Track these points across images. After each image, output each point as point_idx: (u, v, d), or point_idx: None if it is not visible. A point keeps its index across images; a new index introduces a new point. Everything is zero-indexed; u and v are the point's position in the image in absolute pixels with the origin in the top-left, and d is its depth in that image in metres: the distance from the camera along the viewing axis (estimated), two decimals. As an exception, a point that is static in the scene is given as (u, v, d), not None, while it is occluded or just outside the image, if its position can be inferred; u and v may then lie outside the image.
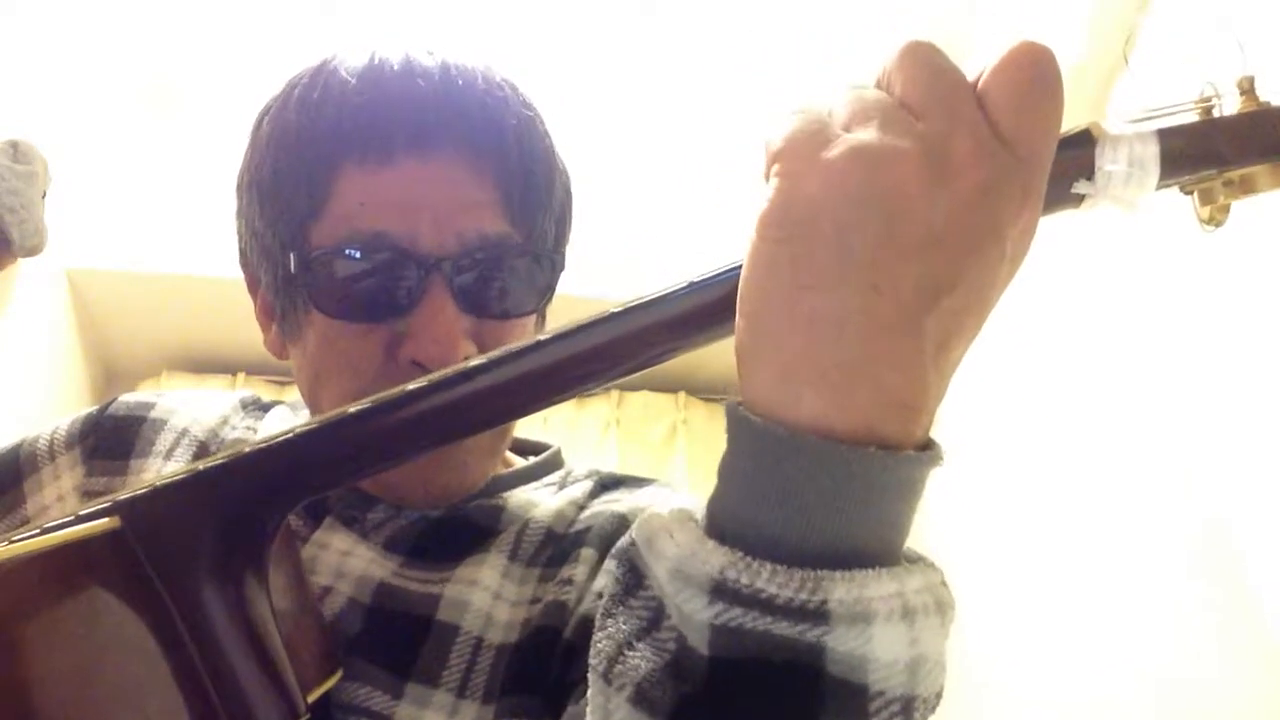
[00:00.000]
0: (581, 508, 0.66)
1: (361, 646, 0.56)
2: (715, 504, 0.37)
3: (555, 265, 0.63)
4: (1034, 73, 0.35)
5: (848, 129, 0.35)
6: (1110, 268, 1.55)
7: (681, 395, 2.52)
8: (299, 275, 0.58)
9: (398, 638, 0.57)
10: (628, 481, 0.69)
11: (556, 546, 0.62)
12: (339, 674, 0.51)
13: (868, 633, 0.33)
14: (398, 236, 0.56)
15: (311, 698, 0.46)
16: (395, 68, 0.58)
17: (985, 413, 1.86)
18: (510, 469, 0.69)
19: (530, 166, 0.60)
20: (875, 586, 0.33)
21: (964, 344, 0.36)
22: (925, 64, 0.36)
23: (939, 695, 0.35)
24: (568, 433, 2.48)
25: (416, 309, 0.56)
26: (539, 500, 0.66)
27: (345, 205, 0.56)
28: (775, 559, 0.34)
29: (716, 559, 0.34)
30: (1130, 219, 0.38)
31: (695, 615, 0.34)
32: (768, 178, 0.36)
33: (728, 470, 0.36)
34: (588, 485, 0.68)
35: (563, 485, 0.69)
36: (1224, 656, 1.22)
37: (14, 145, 1.94)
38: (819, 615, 0.33)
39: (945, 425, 1.95)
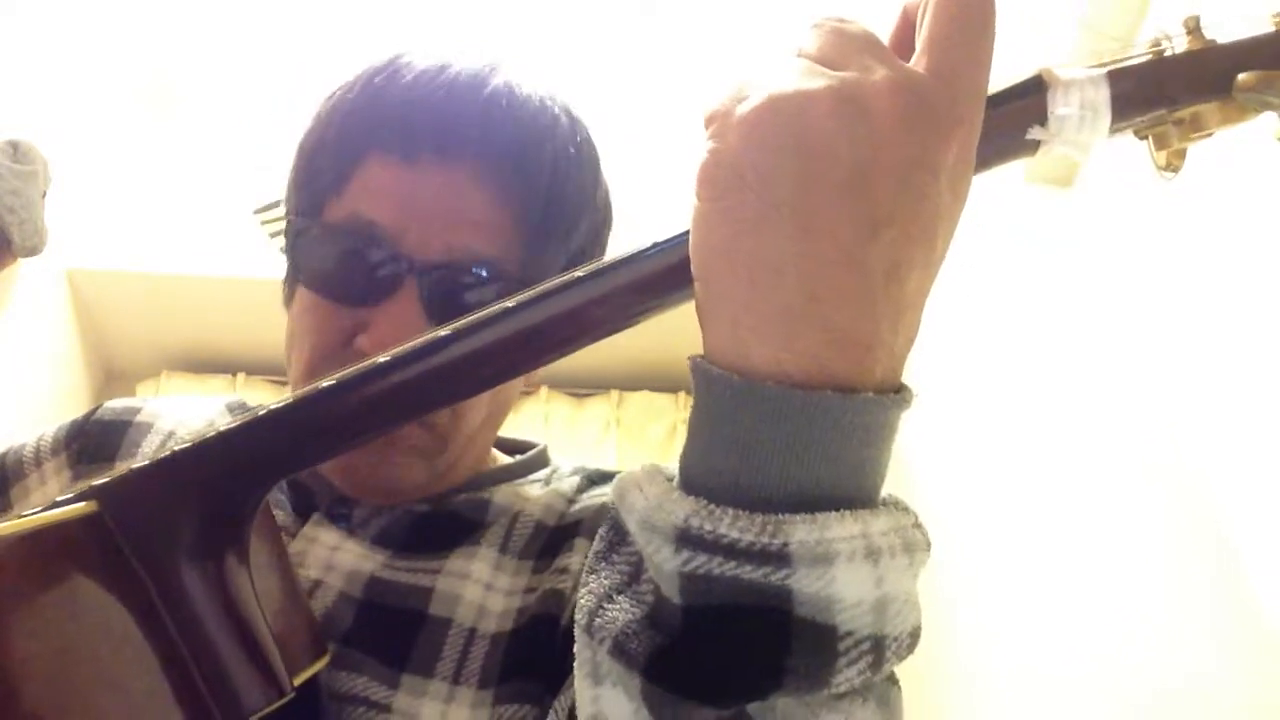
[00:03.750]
0: (571, 501, 0.66)
1: (355, 639, 0.57)
2: (684, 457, 0.37)
3: None
4: (958, 9, 0.36)
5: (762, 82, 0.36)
6: (1097, 242, 1.55)
7: (681, 395, 2.52)
8: (291, 238, 0.61)
9: (391, 632, 0.57)
10: (614, 477, 0.69)
11: (548, 538, 0.63)
12: (327, 657, 0.51)
13: (829, 574, 0.33)
14: (387, 230, 0.57)
15: (298, 680, 0.45)
16: (452, 75, 0.59)
17: (982, 404, 1.86)
18: (496, 465, 0.70)
19: (556, 201, 0.60)
20: (837, 528, 0.34)
21: (918, 275, 0.36)
22: (830, 29, 0.37)
23: (914, 634, 0.36)
24: (568, 432, 2.48)
25: (383, 304, 0.57)
26: (527, 494, 0.67)
27: (359, 191, 0.58)
28: (739, 506, 0.34)
29: (681, 508, 0.35)
30: (1084, 162, 0.38)
31: (665, 565, 0.35)
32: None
33: (693, 423, 0.37)
34: (575, 480, 0.69)
35: (549, 481, 0.69)
36: (1218, 645, 1.22)
37: (14, 145, 1.95)
38: (781, 558, 0.33)
39: (945, 417, 1.93)
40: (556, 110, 0.62)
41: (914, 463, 1.99)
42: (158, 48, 2.21)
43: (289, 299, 0.64)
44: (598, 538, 0.40)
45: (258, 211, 0.69)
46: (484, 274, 0.58)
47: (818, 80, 0.34)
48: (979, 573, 1.77)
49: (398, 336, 0.53)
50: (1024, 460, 1.72)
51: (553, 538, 0.63)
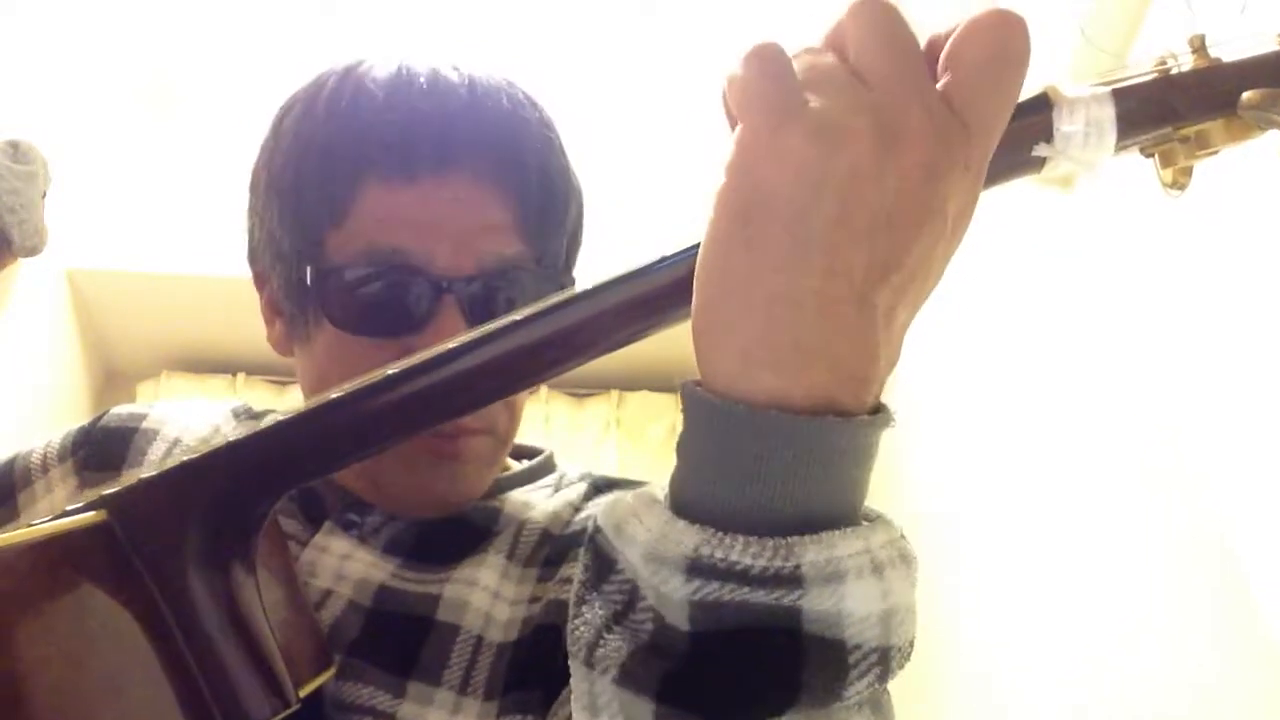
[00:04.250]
0: (577, 509, 0.66)
1: (363, 648, 0.57)
2: (679, 484, 0.37)
3: (565, 286, 0.64)
4: (999, 45, 0.35)
5: (801, 95, 0.35)
6: (1094, 247, 1.55)
7: (681, 395, 2.51)
8: (314, 285, 0.58)
9: (398, 639, 0.57)
10: (620, 484, 0.69)
11: (553, 547, 0.63)
12: (333, 669, 0.51)
13: (840, 590, 0.34)
14: (414, 254, 0.57)
15: (304, 691, 0.46)
16: (422, 83, 0.58)
17: (983, 408, 1.86)
18: (506, 472, 0.70)
19: (548, 188, 0.61)
20: (844, 546, 0.34)
21: (910, 311, 0.37)
22: (879, 30, 0.35)
23: (912, 644, 0.37)
24: (568, 433, 2.49)
25: (428, 327, 0.57)
26: (535, 502, 0.67)
27: (365, 220, 0.57)
28: (747, 532, 0.34)
29: (689, 538, 0.35)
30: (1100, 181, 0.38)
31: (673, 595, 0.35)
32: (732, 128, 0.36)
33: (688, 449, 0.37)
34: (582, 488, 0.69)
35: (558, 488, 0.69)
36: (1220, 653, 1.22)
37: (14, 145, 1.95)
38: (793, 580, 0.34)
39: (945, 420, 1.91)
40: (520, 96, 0.62)
41: (913, 467, 1.99)
42: (158, 48, 2.20)
43: (300, 340, 0.62)
44: (581, 566, 0.39)
45: (260, 232, 0.69)
46: (512, 274, 0.58)
47: (858, 109, 0.34)
48: (980, 579, 1.78)
49: None
50: (1024, 464, 1.72)
51: (558, 546, 0.63)
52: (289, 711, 0.43)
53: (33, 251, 1.99)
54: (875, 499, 0.38)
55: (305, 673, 0.47)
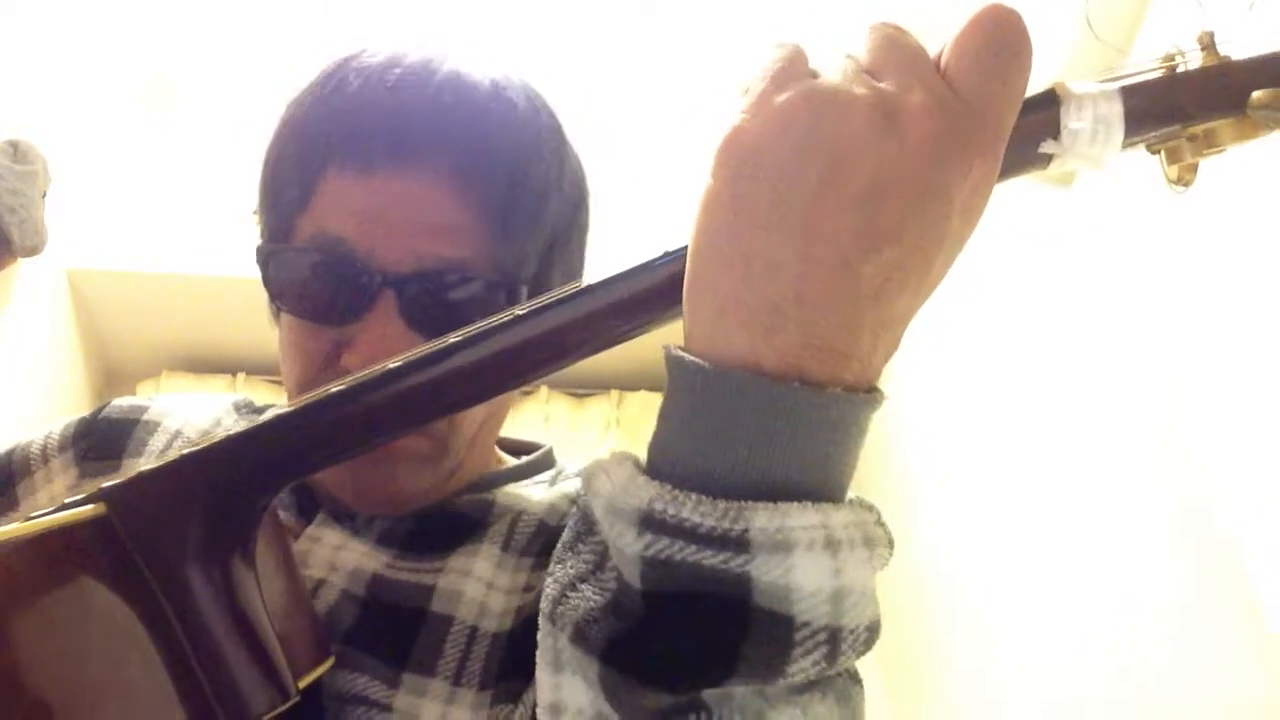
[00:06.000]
0: (574, 501, 0.66)
1: (357, 638, 0.57)
2: (652, 444, 0.38)
3: (532, 291, 0.62)
4: (995, 32, 0.36)
5: (810, 71, 0.36)
6: (1095, 240, 1.55)
7: (681, 395, 2.51)
8: (263, 264, 0.59)
9: (392, 629, 0.57)
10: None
11: (549, 537, 0.63)
12: (330, 661, 0.51)
13: (788, 561, 0.34)
14: (356, 246, 0.56)
15: (303, 683, 0.46)
16: (397, 75, 0.57)
17: (982, 404, 1.86)
18: (502, 466, 0.70)
19: (519, 186, 0.58)
20: (798, 517, 0.34)
21: (908, 298, 0.36)
22: (885, 36, 0.37)
23: (871, 629, 0.36)
24: (568, 432, 2.49)
25: (362, 319, 0.56)
26: (531, 495, 0.67)
27: (321, 207, 0.57)
28: (703, 492, 0.35)
29: (646, 492, 0.35)
30: (1099, 177, 0.38)
31: (627, 549, 0.35)
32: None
33: (663, 411, 0.37)
34: (580, 481, 0.68)
35: (554, 482, 0.70)
36: (1219, 642, 1.22)
37: (14, 145, 1.95)
38: (741, 543, 0.34)
39: (944, 416, 1.91)
40: (512, 93, 0.59)
41: (914, 461, 1.99)
42: (158, 47, 2.21)
43: (275, 316, 0.63)
44: (567, 529, 0.40)
45: (256, 211, 0.69)
46: (458, 277, 0.56)
47: (859, 88, 0.34)
48: (979, 570, 1.78)
49: (381, 351, 0.51)
50: (1024, 459, 1.72)
51: (554, 537, 0.63)
52: (289, 704, 0.43)
53: (33, 251, 1.99)
54: (873, 493, 0.38)
55: (304, 664, 0.47)
